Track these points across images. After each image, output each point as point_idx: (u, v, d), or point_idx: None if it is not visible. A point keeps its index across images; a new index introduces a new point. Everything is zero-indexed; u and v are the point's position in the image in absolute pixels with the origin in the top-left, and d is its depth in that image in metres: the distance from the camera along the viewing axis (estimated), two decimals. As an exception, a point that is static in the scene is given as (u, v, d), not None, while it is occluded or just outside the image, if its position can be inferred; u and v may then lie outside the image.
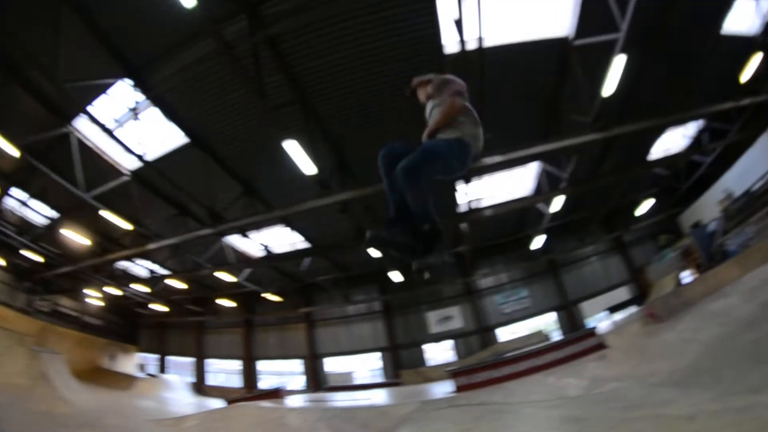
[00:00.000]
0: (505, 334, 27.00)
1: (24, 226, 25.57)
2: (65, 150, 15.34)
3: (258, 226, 19.60)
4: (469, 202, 17.88)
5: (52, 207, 23.22)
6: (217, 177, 16.95)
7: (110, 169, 17.20)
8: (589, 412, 6.16)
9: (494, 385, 12.27)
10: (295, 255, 23.16)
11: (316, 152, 13.66)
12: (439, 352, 27.80)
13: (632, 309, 22.62)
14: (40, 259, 28.39)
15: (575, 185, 17.22)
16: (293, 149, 13.02)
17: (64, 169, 15.97)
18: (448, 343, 27.79)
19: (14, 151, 13.98)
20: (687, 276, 19.90)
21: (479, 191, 17.60)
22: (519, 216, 23.04)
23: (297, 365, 30.96)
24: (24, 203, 23.05)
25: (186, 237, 18.11)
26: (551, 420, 6.46)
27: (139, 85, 12.95)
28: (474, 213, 18.24)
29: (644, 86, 14.80)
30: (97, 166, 16.78)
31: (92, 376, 28.23)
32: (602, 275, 27.16)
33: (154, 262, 27.93)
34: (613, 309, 24.94)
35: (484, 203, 19.17)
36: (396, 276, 24.89)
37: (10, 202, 23.60)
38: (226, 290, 29.16)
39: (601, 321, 23.08)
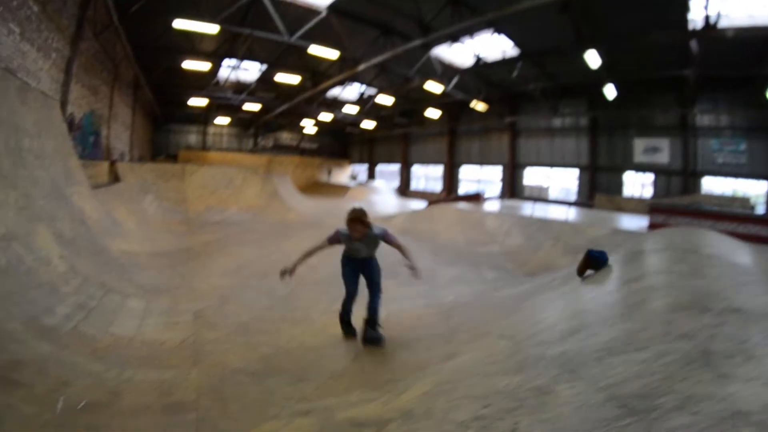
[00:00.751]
0: (709, 186, 23.98)
1: (240, 87, 29.61)
2: (258, 9, 17.06)
3: (468, 31, 18.87)
4: (707, 16, 14.55)
5: (261, 61, 26.13)
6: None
7: (306, 12, 18.52)
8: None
9: None
10: (505, 62, 22.13)
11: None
12: (636, 184, 26.39)
13: None
14: (257, 107, 33.10)
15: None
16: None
17: (262, 25, 17.79)
18: (648, 178, 25.86)
19: (213, 28, 16.22)
20: None
21: (721, 4, 14.37)
22: (761, 50, 18.17)
23: (495, 173, 32.38)
24: (235, 67, 26.62)
25: (395, 51, 18.84)
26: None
27: None
28: (709, 31, 14.69)
29: None
30: (293, 12, 18.29)
31: (313, 190, 34.32)
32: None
33: (362, 83, 29.74)
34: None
35: (726, 22, 15.14)
36: (609, 91, 22.65)
37: (223, 73, 27.75)
38: (433, 101, 30.02)
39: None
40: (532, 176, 30.41)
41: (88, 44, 14.80)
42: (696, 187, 23.91)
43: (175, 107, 33.60)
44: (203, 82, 27.72)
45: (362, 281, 5.50)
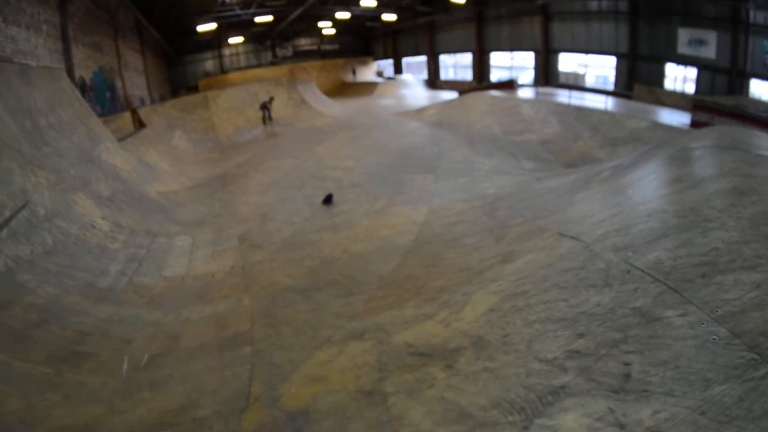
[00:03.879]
0: (757, 89, 21.37)
1: (247, 1, 27.61)
2: None
3: None
4: None
5: None
6: None
7: None
8: None
9: None
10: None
11: None
12: (679, 78, 24.55)
13: None
14: (270, 18, 30.83)
15: None
16: None
17: None
18: (692, 72, 23.94)
19: None
20: None
21: None
22: None
23: (528, 59, 30.64)
24: None
25: None
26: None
27: None
28: None
29: None
30: None
31: (340, 91, 33.30)
32: None
33: None
34: None
35: None
36: None
37: None
38: None
39: None
40: (567, 63, 28.49)
41: (78, 3, 14.14)
42: (743, 88, 21.49)
43: (184, 39, 32.33)
44: (208, 5, 26.00)
45: None
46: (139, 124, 14.98)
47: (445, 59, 37.99)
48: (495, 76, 32.35)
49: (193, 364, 3.35)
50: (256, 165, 11.99)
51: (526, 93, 20.22)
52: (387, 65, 44.00)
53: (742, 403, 1.13)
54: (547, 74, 28.99)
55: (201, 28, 28.61)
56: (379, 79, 37.23)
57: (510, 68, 31.91)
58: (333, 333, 3.35)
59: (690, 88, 22.93)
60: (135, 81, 21.55)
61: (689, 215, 2.49)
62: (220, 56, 38.54)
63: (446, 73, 37.96)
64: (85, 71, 14.18)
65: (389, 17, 34.88)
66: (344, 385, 2.44)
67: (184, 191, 10.14)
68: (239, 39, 36.69)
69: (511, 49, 31.85)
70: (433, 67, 38.30)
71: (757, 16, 20.31)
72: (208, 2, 25.37)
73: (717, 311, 1.53)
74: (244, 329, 3.83)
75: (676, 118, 13.79)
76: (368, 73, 41.78)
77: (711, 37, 22.16)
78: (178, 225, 7.52)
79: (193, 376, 3.16)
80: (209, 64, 38.18)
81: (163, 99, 25.93)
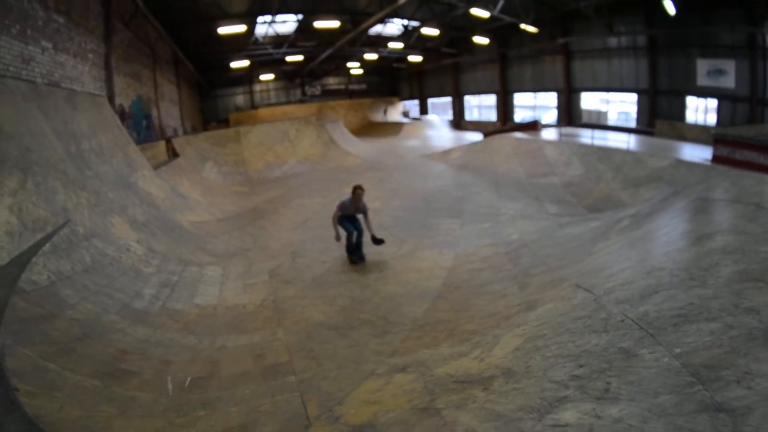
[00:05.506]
0: None
1: (279, 40, 28.73)
2: None
3: None
4: None
5: (296, 12, 25.05)
6: None
7: None
8: None
9: (758, 172, 10.27)
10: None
11: None
12: (700, 110, 24.40)
13: None
14: (300, 57, 32.36)
15: None
16: None
17: None
18: (712, 103, 23.71)
19: None
20: None
21: None
22: None
23: (551, 99, 31.06)
24: (270, 22, 25.51)
25: None
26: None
27: None
28: None
29: None
30: None
31: (366, 131, 34.13)
32: None
33: (403, 17, 28.32)
34: None
35: None
36: (668, 6, 20.94)
37: (259, 30, 26.61)
38: (480, 27, 28.78)
39: None
40: (589, 101, 28.98)
41: (121, 35, 15.08)
42: (765, 116, 21.30)
43: (218, 73, 33.94)
44: (241, 44, 27.35)
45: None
46: (174, 154, 15.69)
47: (469, 100, 38.69)
48: (519, 116, 32.90)
49: (240, 388, 3.60)
50: (285, 202, 12.46)
51: (549, 134, 20.70)
52: (413, 105, 44.93)
53: (677, 407, 1.75)
54: (570, 113, 29.27)
55: (234, 64, 30.25)
56: (405, 120, 37.87)
57: (534, 107, 32.32)
58: (376, 367, 3.67)
59: (712, 119, 23.02)
60: (170, 111, 22.54)
61: (680, 274, 3.10)
62: (251, 91, 40.05)
63: (471, 114, 38.75)
64: (124, 99, 15.02)
65: (415, 58, 35.85)
66: (399, 405, 2.82)
67: (215, 222, 10.57)
68: (270, 76, 38.34)
69: (534, 89, 32.34)
70: (458, 108, 39.02)
71: (772, 41, 20.38)
72: (241, 40, 26.42)
73: (676, 350, 2.17)
74: (282, 360, 4.08)
75: (697, 154, 14.03)
76: (395, 112, 42.53)
77: (729, 66, 22.26)
78: (210, 255, 7.82)
79: (242, 400, 3.40)
80: (240, 99, 39.67)
81: (195, 129, 27.24)
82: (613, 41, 26.71)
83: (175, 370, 3.89)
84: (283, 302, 5.62)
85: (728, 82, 22.37)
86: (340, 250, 7.53)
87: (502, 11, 24.02)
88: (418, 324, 4.56)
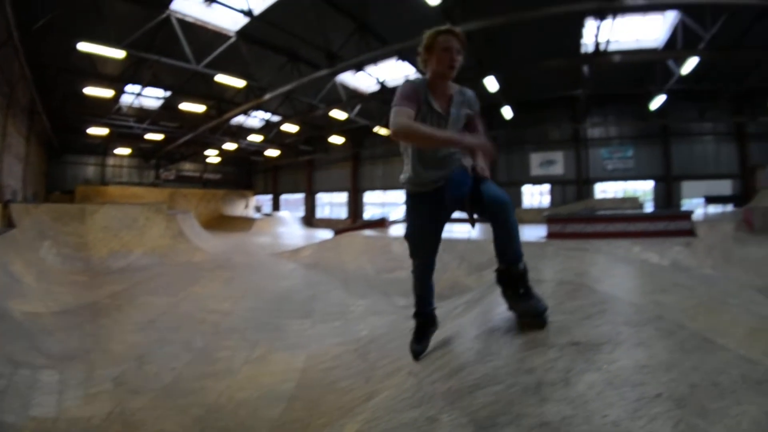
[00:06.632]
0: (601, 190, 27.38)
1: (142, 114, 28.38)
2: (167, 34, 16.99)
3: (374, 60, 18.63)
4: (597, 43, 15.83)
5: (165, 88, 25.22)
6: (328, 16, 17.00)
7: (215, 37, 18.59)
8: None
9: (584, 239, 12.45)
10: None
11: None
12: (535, 195, 28.64)
13: (729, 207, 21.81)
14: (160, 137, 31.77)
15: (715, 50, 15.30)
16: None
17: (169, 51, 17.62)
18: (545, 188, 28.38)
19: (119, 53, 15.84)
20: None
21: (610, 32, 15.42)
22: (644, 70, 21.20)
23: (399, 196, 32.44)
24: (138, 94, 25.33)
25: (302, 81, 19.51)
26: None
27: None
28: (600, 56, 16.19)
29: None
30: (202, 37, 18.30)
31: (217, 224, 33.30)
32: (711, 159, 25.17)
33: (266, 111, 29.51)
34: (711, 200, 23.57)
35: (612, 47, 16.72)
36: (507, 112, 24.41)
37: (125, 99, 26.26)
38: (337, 127, 30.69)
39: (695, 207, 21.94)
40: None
41: None
42: (589, 192, 26.95)
43: (72, 136, 31.41)
44: (104, 109, 26.09)
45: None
46: (9, 223, 13.77)
47: (321, 197, 39.98)
48: (369, 213, 34.64)
49: None
50: (131, 298, 11.23)
51: (396, 230, 21.57)
52: (266, 200, 45.48)
53: None
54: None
55: (92, 130, 28.41)
56: (257, 215, 37.94)
57: (383, 205, 34.16)
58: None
59: (546, 201, 27.90)
60: (13, 168, 19.95)
61: (479, 347, 3.74)
62: (104, 164, 37.87)
63: (322, 211, 39.96)
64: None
65: (273, 153, 36.77)
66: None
67: (51, 316, 9.25)
68: (126, 150, 36.54)
69: (384, 188, 34.48)
70: (311, 205, 40.13)
71: (593, 132, 27.01)
72: (105, 106, 25.42)
73: (468, 411, 2.76)
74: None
75: (534, 233, 15.45)
76: (247, 207, 42.19)
77: (558, 156, 27.88)
78: (45, 357, 6.82)
79: None
80: (91, 170, 37.18)
81: (36, 197, 24.33)
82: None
83: None
84: (132, 414, 5.20)
85: (558, 169, 27.80)
86: (189, 354, 7.10)
87: (357, 114, 26.04)
88: (274, 425, 4.65)
